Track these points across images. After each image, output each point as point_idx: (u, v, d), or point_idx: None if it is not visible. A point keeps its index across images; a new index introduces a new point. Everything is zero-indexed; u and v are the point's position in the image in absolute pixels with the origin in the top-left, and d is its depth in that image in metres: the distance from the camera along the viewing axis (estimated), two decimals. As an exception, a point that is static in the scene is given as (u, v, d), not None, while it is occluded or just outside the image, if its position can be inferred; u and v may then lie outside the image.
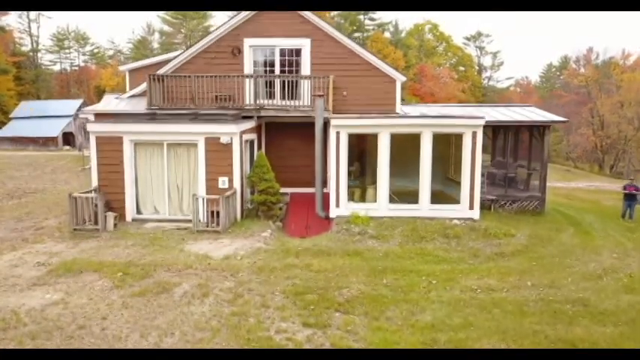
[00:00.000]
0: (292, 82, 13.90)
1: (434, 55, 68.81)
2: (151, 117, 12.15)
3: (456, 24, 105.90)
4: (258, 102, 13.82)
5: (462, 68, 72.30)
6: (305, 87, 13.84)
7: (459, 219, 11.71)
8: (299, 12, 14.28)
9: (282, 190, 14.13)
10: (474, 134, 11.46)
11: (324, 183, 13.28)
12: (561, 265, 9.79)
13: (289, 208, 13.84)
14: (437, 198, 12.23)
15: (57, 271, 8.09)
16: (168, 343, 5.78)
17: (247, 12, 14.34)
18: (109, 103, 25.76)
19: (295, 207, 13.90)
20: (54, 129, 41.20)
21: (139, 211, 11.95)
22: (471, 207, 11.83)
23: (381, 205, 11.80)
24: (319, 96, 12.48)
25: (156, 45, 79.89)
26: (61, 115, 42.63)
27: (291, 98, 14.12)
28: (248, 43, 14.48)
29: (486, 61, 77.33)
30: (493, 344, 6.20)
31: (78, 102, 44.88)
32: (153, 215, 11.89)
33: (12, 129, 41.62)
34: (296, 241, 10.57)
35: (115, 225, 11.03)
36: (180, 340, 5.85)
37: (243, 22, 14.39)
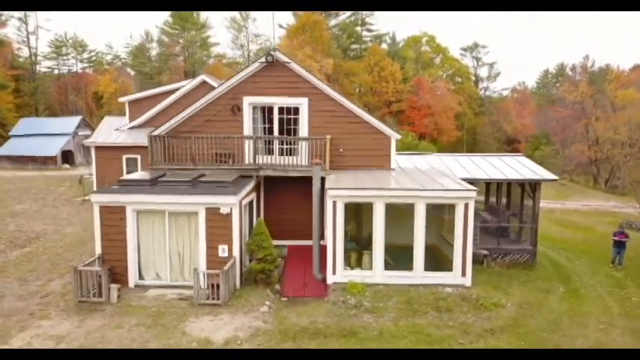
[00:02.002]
0: (292, 139, 14.29)
1: (431, 66, 69.22)
2: (152, 184, 12.47)
3: (452, 35, 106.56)
4: (257, 161, 14.17)
5: (458, 79, 72.78)
6: (303, 147, 14.20)
7: (451, 286, 12.11)
8: (297, 72, 14.65)
9: (280, 242, 14.57)
10: (466, 206, 11.86)
11: (322, 235, 13.65)
12: (549, 343, 10.19)
13: (287, 263, 14.22)
14: (431, 257, 12.65)
15: (65, 367, 8.43)
16: None
17: (246, 71, 14.71)
18: (110, 134, 26.11)
19: (293, 262, 14.28)
20: (53, 148, 41.38)
21: (141, 277, 12.31)
22: (463, 274, 12.24)
23: (376, 273, 12.19)
24: (317, 163, 12.85)
25: (154, 52, 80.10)
26: (60, 134, 42.81)
27: (290, 155, 14.52)
28: (247, 101, 14.84)
29: (483, 71, 77.79)
30: None
31: (77, 119, 45.07)
32: (155, 281, 12.24)
33: (11, 147, 41.77)
34: (293, 315, 10.94)
35: (119, 296, 11.37)
36: None
37: (243, 80, 14.74)
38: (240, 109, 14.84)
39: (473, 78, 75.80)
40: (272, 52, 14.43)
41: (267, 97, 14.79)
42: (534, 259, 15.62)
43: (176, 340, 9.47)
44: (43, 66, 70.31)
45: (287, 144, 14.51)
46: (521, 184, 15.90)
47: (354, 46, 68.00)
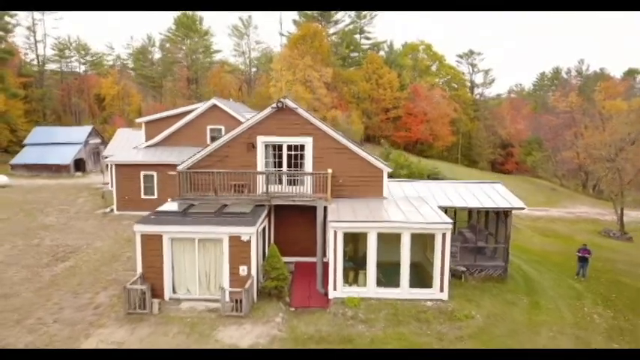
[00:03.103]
0: (298, 174, 17.03)
1: (427, 74, 71.94)
2: (183, 215, 15.18)
3: (449, 41, 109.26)
4: (269, 190, 16.87)
5: (454, 85, 75.52)
6: (308, 179, 16.91)
7: (431, 300, 14.89)
8: (303, 116, 17.34)
9: (288, 259, 17.27)
10: (444, 235, 14.61)
11: (324, 253, 16.36)
12: (506, 348, 12.96)
13: (294, 278, 16.95)
14: (415, 273, 15.40)
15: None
16: None
17: (260, 115, 17.41)
18: (129, 152, 28.74)
19: (299, 277, 17.02)
20: (66, 157, 43.98)
21: (174, 291, 15.03)
22: (441, 290, 15.01)
23: (369, 289, 14.97)
24: (320, 197, 15.58)
25: (157, 56, 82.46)
26: (72, 142, 45.41)
27: (296, 184, 17.24)
28: (260, 139, 17.53)
29: (478, 78, 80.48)
30: None
31: (87, 129, 47.70)
32: (186, 295, 14.97)
33: (26, 156, 44.36)
34: (302, 323, 13.70)
35: (159, 308, 14.11)
36: None
37: (257, 122, 17.43)
38: (254, 147, 17.54)
39: (468, 84, 78.50)
40: (282, 100, 17.11)
41: (278, 137, 17.49)
42: (506, 273, 18.37)
43: (212, 346, 12.22)
44: (46, 68, 72.38)
45: (294, 176, 17.22)
46: (496, 211, 18.62)
47: (352, 55, 70.57)
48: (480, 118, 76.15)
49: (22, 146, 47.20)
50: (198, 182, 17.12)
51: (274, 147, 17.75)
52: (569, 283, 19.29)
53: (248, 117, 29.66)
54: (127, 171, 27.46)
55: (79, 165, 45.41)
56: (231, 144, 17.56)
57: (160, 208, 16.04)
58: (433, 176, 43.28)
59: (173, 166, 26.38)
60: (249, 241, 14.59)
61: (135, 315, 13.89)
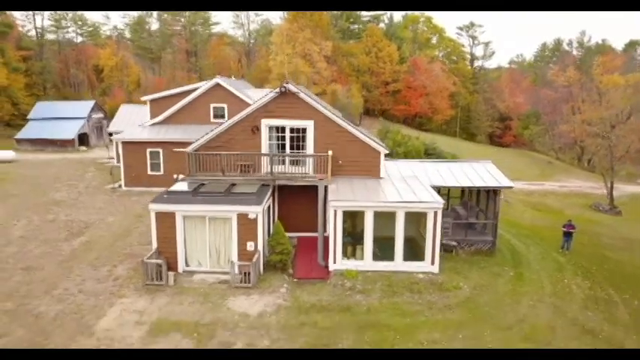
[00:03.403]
0: (300, 156, 18.16)
1: (427, 47, 71.94)
2: (194, 195, 16.37)
3: (449, 15, 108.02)
4: (272, 170, 18.02)
5: (454, 58, 75.58)
6: (310, 160, 18.04)
7: (423, 272, 16.29)
8: (305, 100, 18.31)
9: (292, 234, 18.56)
10: (435, 214, 15.87)
11: (324, 228, 17.65)
12: (488, 316, 14.41)
13: (297, 251, 18.29)
14: (409, 247, 16.73)
15: (153, 332, 12.60)
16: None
17: (264, 100, 18.36)
18: (134, 130, 29.69)
19: (302, 251, 18.35)
20: (70, 131, 44.86)
21: (187, 264, 16.38)
22: (432, 263, 16.39)
23: (366, 262, 16.33)
24: (321, 178, 16.76)
25: (154, 27, 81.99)
26: (75, 117, 46.20)
27: (298, 165, 18.39)
28: (265, 123, 18.56)
29: (478, 50, 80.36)
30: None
31: (90, 103, 48.38)
32: (198, 268, 16.34)
33: (30, 131, 45.21)
34: (305, 293, 15.10)
35: (175, 280, 15.49)
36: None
37: (261, 106, 18.40)
38: (258, 129, 18.58)
39: (468, 57, 78.50)
40: (285, 85, 18.04)
41: (281, 120, 18.51)
42: (494, 247, 19.74)
43: (224, 313, 13.64)
44: (45, 38, 72.07)
45: (296, 156, 18.34)
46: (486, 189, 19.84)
47: (352, 27, 70.37)
48: (479, 92, 76.59)
49: (25, 120, 48.00)
50: (207, 163, 18.25)
51: (277, 129, 18.80)
52: (553, 256, 20.69)
53: (250, 94, 30.58)
54: (133, 148, 28.49)
55: (83, 139, 46.34)
56: (236, 126, 18.59)
57: (172, 188, 17.23)
58: (431, 151, 44.45)
59: (178, 144, 27.65)
60: (255, 219, 15.83)
61: (152, 286, 15.27)
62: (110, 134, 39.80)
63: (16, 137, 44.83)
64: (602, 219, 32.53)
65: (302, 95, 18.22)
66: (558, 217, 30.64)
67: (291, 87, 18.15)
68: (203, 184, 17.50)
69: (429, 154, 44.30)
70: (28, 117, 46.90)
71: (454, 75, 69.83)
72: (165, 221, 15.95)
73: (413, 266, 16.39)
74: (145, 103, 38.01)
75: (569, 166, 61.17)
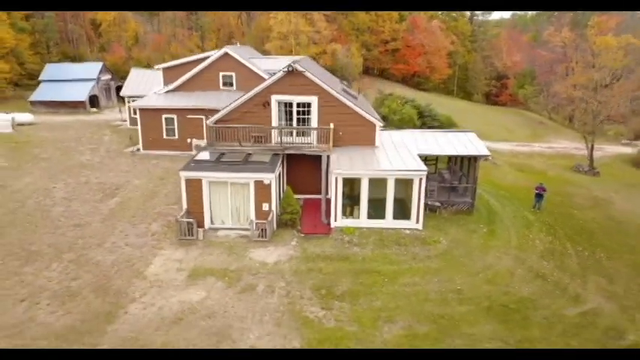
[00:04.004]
0: (306, 128, 21.11)
1: (427, 4, 72.59)
2: (217, 163, 19.44)
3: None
4: (282, 142, 21.01)
5: (454, 15, 76.35)
6: (314, 133, 21.00)
7: (409, 229, 19.67)
8: (310, 78, 21.00)
9: (299, 196, 21.77)
10: (420, 180, 19.05)
11: (327, 191, 20.87)
12: (460, 264, 17.90)
13: (304, 211, 21.56)
14: (399, 207, 20.02)
15: (192, 276, 16.06)
16: (264, 320, 13.89)
17: (273, 78, 21.04)
18: (150, 98, 32.31)
19: (307, 211, 21.64)
20: (81, 93, 47.14)
21: (212, 222, 19.70)
22: (417, 221, 19.74)
23: (362, 220, 19.68)
24: (324, 149, 19.80)
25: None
26: (85, 79, 48.32)
27: (304, 135, 21.38)
28: (275, 98, 21.34)
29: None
30: (407, 318, 14.37)
31: (98, 65, 50.27)
32: (221, 225, 19.67)
33: (43, 93, 47.42)
34: (311, 245, 18.52)
35: (203, 235, 18.85)
36: (270, 318, 13.97)
37: (272, 84, 21.13)
38: (269, 104, 21.39)
39: (468, 13, 79.14)
40: (292, 64, 20.67)
41: (289, 96, 21.28)
42: (473, 207, 23.05)
43: (247, 262, 17.08)
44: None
45: (302, 128, 21.29)
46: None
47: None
48: (477, 50, 77.87)
49: (31, 80, 49.95)
50: (225, 134, 21.19)
51: (286, 104, 21.60)
52: (524, 215, 24.09)
53: (256, 62, 32.96)
54: (150, 114, 31.18)
55: (93, 101, 48.65)
56: (250, 102, 21.38)
57: (197, 157, 20.28)
58: (426, 113, 47.10)
59: (191, 110, 30.43)
60: (269, 185, 19.01)
61: (185, 240, 18.66)
62: (120, 97, 42.25)
63: (30, 99, 47.12)
64: (580, 180, 35.77)
65: (307, 74, 20.90)
66: (539, 179, 33.82)
67: (298, 66, 20.79)
68: (223, 153, 20.52)
69: (425, 116, 47.06)
70: (40, 78, 48.89)
71: (453, 34, 71.03)
72: (194, 186, 19.11)
73: (401, 224, 19.76)
74: (152, 67, 40.38)
75: (560, 126, 63.82)
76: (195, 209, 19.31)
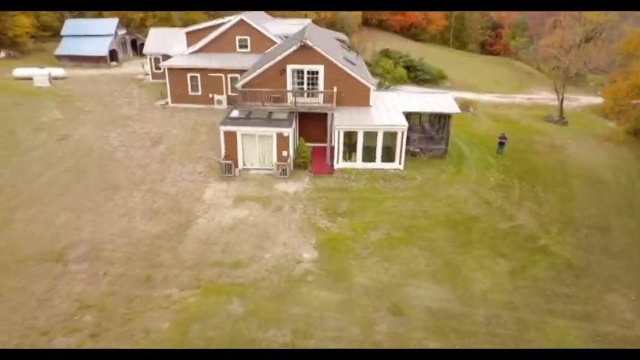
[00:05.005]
0: (314, 91, 27.73)
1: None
2: (247, 119, 26.18)
3: None
4: (296, 102, 27.65)
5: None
6: (321, 95, 27.62)
7: (393, 169, 26.79)
8: (318, 51, 27.30)
9: (309, 144, 28.67)
10: (402, 132, 25.94)
11: (331, 141, 27.75)
12: (429, 194, 25.14)
13: (313, 156, 28.54)
14: (386, 153, 26.98)
15: (236, 201, 23.29)
16: (291, 228, 21.23)
17: (288, 51, 27.33)
18: (176, 59, 38.41)
19: (315, 156, 28.59)
20: (102, 48, 52.69)
21: (244, 164, 26.71)
22: (400, 163, 26.81)
23: (358, 163, 26.75)
24: (330, 108, 26.56)
25: None
26: (104, 34, 53.71)
27: (313, 97, 28.02)
28: (290, 67, 27.76)
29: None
30: (387, 227, 21.73)
31: (115, 21, 55.28)
32: (251, 167, 26.69)
33: (66, 47, 52.90)
34: (320, 181, 25.67)
35: (239, 174, 25.95)
36: (295, 226, 21.31)
37: (287, 56, 27.46)
38: (285, 72, 27.82)
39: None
40: (304, 41, 26.89)
41: (301, 65, 27.67)
42: (446, 153, 30.05)
43: (274, 192, 24.27)
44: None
45: (312, 92, 27.88)
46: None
47: None
48: None
49: (44, 31, 55.07)
50: (251, 96, 27.76)
51: (298, 72, 28.03)
52: (487, 159, 31.16)
53: (267, 27, 38.77)
54: (177, 73, 37.37)
55: (113, 55, 54.29)
56: (270, 70, 27.80)
57: (231, 115, 27.01)
58: (419, 67, 53.13)
59: (212, 70, 36.66)
60: (288, 136, 25.86)
61: (225, 177, 25.74)
62: (135, 51, 47.97)
63: (55, 54, 52.70)
64: (548, 129, 42.55)
65: (315, 48, 27.19)
66: (513, 128, 40.62)
67: (308, 42, 27.04)
68: (251, 111, 27.24)
69: (417, 70, 53.14)
70: (61, 34, 54.18)
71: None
72: (230, 137, 25.95)
73: (387, 165, 26.85)
74: (169, 26, 46.04)
75: (547, 77, 69.53)
76: (231, 154, 26.25)
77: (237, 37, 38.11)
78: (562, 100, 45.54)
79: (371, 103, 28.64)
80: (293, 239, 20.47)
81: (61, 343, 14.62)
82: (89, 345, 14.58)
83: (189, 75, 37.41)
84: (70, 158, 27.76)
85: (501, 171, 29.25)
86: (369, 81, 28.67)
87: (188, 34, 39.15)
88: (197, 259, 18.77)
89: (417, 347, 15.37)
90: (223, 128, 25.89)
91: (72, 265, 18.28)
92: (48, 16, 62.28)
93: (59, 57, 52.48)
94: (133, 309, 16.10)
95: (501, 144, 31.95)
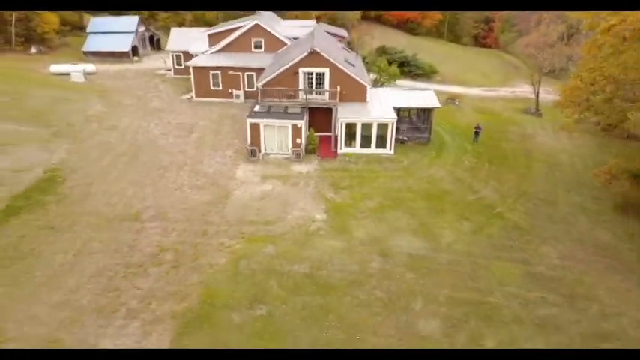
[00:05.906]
0: (321, 90, 34.83)
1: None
2: (268, 113, 33.23)
3: None
4: (306, 99, 34.69)
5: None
6: (327, 93, 34.70)
7: (385, 154, 34.00)
8: (325, 57, 34.29)
9: (317, 134, 35.77)
10: (392, 124, 33.10)
11: (335, 130, 34.84)
12: (413, 174, 32.36)
13: (320, 144, 35.66)
14: (380, 141, 34.10)
15: (262, 178, 30.49)
16: (306, 197, 28.47)
17: (300, 57, 34.33)
18: (200, 58, 45.30)
19: (322, 143, 35.74)
20: (125, 44, 59.39)
21: (265, 150, 33.84)
22: (390, 149, 34.01)
23: (357, 149, 33.94)
24: (334, 104, 33.69)
25: None
26: (126, 32, 60.37)
27: (320, 94, 35.09)
28: (301, 70, 34.79)
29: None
30: (379, 198, 28.96)
31: (136, 18, 61.83)
32: (271, 152, 33.83)
33: (92, 44, 59.56)
34: (326, 163, 32.87)
35: (262, 158, 33.11)
36: (309, 197, 28.55)
37: (299, 60, 34.46)
38: (297, 73, 34.84)
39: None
40: (313, 47, 33.84)
41: (310, 68, 34.70)
42: (429, 141, 37.20)
43: (291, 172, 31.47)
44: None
45: (319, 90, 34.96)
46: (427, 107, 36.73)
47: None
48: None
49: (64, 26, 61.70)
50: (269, 93, 34.80)
51: (308, 74, 35.07)
52: (465, 146, 38.34)
53: (278, 30, 45.67)
54: (201, 71, 44.31)
55: (135, 51, 60.99)
56: (284, 72, 34.81)
57: (254, 110, 34.08)
58: (412, 62, 60.02)
59: (231, 68, 43.51)
60: (301, 127, 32.98)
61: (251, 160, 32.90)
62: (157, 48, 54.63)
63: (83, 50, 59.36)
64: (524, 120, 49.61)
65: (323, 54, 34.18)
66: (494, 120, 47.69)
67: (317, 49, 34.02)
68: (270, 106, 34.34)
69: (411, 65, 60.04)
70: (87, 31, 60.81)
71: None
72: (255, 127, 33.05)
73: (380, 151, 34.05)
74: (179, 20, 52.52)
75: (533, 71, 76.32)
76: (255, 142, 33.36)
77: (253, 40, 44.98)
78: (538, 93, 52.49)
79: (367, 99, 35.71)
80: (308, 206, 27.70)
81: (153, 271, 21.86)
82: (172, 272, 21.84)
83: (211, 72, 44.35)
84: (121, 145, 34.83)
85: (475, 156, 36.43)
86: (365, 80, 35.73)
87: (210, 35, 45.99)
88: (238, 219, 26.00)
89: (398, 278, 22.62)
90: (250, 120, 32.99)
91: (147, 223, 25.49)
92: (69, 13, 68.73)
93: (86, 53, 59.15)
94: (198, 251, 23.35)
95: (476, 133, 39.10)
